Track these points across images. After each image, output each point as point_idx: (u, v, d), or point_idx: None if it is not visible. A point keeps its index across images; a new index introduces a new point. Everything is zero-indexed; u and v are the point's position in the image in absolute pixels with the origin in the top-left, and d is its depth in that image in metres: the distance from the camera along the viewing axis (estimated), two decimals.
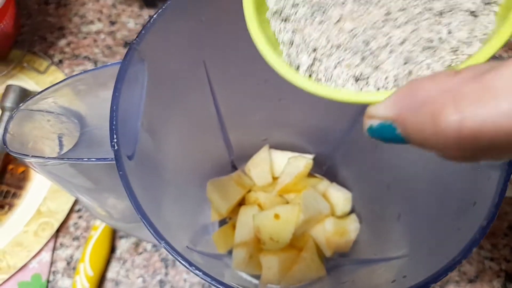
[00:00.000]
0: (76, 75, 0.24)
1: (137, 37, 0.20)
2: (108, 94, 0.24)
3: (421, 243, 0.27)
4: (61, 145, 0.26)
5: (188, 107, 0.28)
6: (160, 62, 0.23)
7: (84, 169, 0.24)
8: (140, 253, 0.43)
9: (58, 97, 0.24)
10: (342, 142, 0.37)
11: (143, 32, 0.20)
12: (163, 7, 0.21)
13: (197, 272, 0.19)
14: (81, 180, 0.25)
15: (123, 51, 0.55)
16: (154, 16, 0.21)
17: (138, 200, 0.19)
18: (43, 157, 0.22)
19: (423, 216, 0.28)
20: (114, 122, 0.20)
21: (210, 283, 0.19)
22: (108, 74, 0.23)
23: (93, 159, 0.21)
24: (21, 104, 0.24)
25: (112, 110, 0.20)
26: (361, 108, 0.32)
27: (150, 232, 0.19)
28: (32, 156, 0.22)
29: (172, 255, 0.19)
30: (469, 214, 0.22)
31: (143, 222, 0.19)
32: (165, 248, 0.19)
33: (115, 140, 0.19)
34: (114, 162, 0.20)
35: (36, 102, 0.24)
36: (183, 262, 0.19)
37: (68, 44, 0.55)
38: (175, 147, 0.28)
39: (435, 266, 0.20)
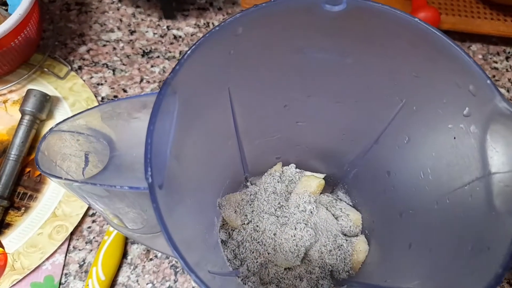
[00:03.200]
0: (108, 102, 0.25)
1: (171, 72, 0.21)
2: (136, 121, 0.25)
3: (433, 278, 0.27)
4: (86, 161, 0.27)
5: (210, 129, 0.29)
6: (188, 92, 0.23)
7: (112, 191, 0.25)
8: (151, 259, 0.44)
9: (90, 121, 0.25)
10: (354, 166, 0.38)
11: (177, 67, 0.22)
12: (197, 43, 0.22)
13: None
14: (105, 197, 0.26)
15: (141, 60, 0.56)
16: (188, 52, 0.22)
17: (170, 231, 0.20)
18: (76, 181, 0.23)
19: (436, 251, 0.28)
20: (149, 156, 0.20)
21: None
22: (139, 103, 0.24)
23: (126, 187, 0.22)
24: (53, 126, 0.26)
25: (147, 144, 0.20)
26: (376, 137, 0.34)
27: (181, 263, 0.20)
28: (65, 178, 0.23)
29: (198, 284, 0.20)
30: (484, 257, 0.23)
31: (175, 254, 0.20)
32: (192, 277, 0.20)
33: (149, 173, 0.20)
34: (145, 191, 0.21)
35: (68, 124, 0.25)
36: None
37: (88, 51, 0.57)
38: (195, 167, 0.29)
39: None
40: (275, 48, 0.27)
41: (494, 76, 0.58)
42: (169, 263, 0.44)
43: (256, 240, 0.36)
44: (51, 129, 0.26)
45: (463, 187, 0.27)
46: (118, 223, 0.32)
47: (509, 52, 0.60)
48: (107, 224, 0.45)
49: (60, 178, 0.23)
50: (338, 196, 0.42)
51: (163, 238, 0.34)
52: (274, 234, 0.36)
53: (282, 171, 0.40)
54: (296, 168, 0.41)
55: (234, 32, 0.24)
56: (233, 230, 0.38)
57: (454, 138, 0.28)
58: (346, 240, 0.38)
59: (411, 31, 0.25)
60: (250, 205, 0.38)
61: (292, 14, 0.26)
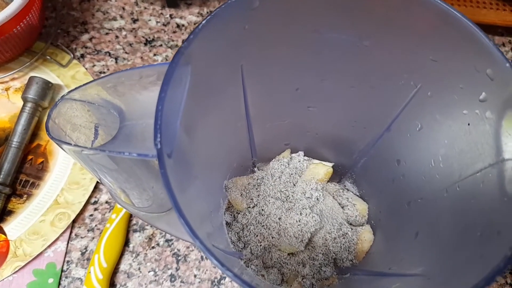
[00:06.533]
0: (121, 71, 0.25)
1: (185, 41, 0.21)
2: (148, 92, 0.25)
3: (439, 265, 0.27)
4: (96, 134, 0.27)
5: (221, 107, 0.29)
6: (201, 65, 0.23)
7: (120, 161, 0.25)
8: (153, 247, 0.43)
9: (101, 90, 0.25)
10: (364, 154, 0.38)
11: (191, 37, 0.21)
12: (212, 14, 0.22)
13: (228, 272, 0.20)
14: (114, 170, 0.26)
15: (144, 48, 0.56)
16: (203, 22, 0.21)
17: (177, 198, 0.20)
18: (86, 147, 0.23)
19: (443, 238, 0.28)
20: (159, 122, 0.20)
21: (241, 284, 0.20)
22: (151, 73, 0.24)
23: (134, 154, 0.22)
24: (65, 93, 0.25)
25: (157, 110, 0.20)
26: (388, 124, 0.33)
27: (187, 230, 0.20)
28: (75, 145, 0.23)
29: (206, 254, 0.19)
30: (493, 242, 0.22)
31: (180, 220, 0.20)
32: (199, 247, 0.20)
33: (159, 139, 0.20)
34: (153, 158, 0.21)
35: (80, 93, 0.25)
36: (215, 261, 0.19)
37: (90, 39, 0.56)
38: (204, 144, 0.28)
39: None
40: (291, 26, 0.27)
41: None
42: (171, 251, 0.43)
43: (261, 223, 0.36)
44: (62, 96, 0.25)
45: (475, 174, 0.27)
46: (125, 200, 0.31)
47: None
48: (109, 211, 0.45)
49: (70, 144, 0.23)
50: (345, 186, 0.41)
51: (167, 218, 0.34)
52: (279, 219, 0.36)
53: (290, 158, 0.40)
54: (304, 155, 0.40)
55: (250, 5, 0.24)
56: (238, 213, 0.38)
57: (468, 124, 0.27)
58: (351, 229, 0.38)
59: (432, 11, 0.25)
60: (256, 189, 0.38)
61: None
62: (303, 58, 0.30)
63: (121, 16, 0.58)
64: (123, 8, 0.59)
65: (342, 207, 0.39)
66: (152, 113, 0.20)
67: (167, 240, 0.44)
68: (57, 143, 0.24)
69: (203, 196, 0.31)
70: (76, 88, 0.25)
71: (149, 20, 0.58)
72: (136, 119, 0.25)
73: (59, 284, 0.41)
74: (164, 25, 0.58)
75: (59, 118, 0.25)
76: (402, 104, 0.31)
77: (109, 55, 0.55)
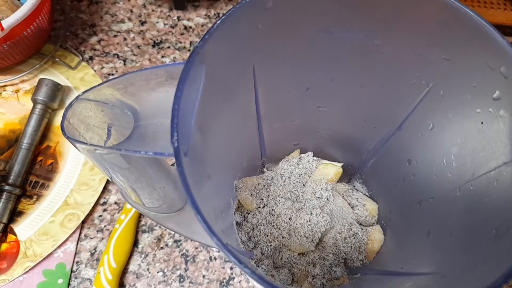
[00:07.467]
0: (135, 71, 0.25)
1: (200, 41, 0.21)
2: (156, 93, 0.25)
3: (453, 263, 0.26)
4: (109, 134, 0.27)
5: (232, 107, 0.29)
6: (215, 65, 0.23)
7: (133, 160, 0.25)
8: (162, 248, 0.44)
9: (115, 91, 0.25)
10: (374, 154, 0.37)
11: (206, 36, 0.21)
12: (227, 13, 0.22)
13: (246, 269, 0.20)
14: (125, 168, 0.26)
15: (152, 50, 0.56)
16: (218, 22, 0.21)
17: (194, 195, 0.20)
18: (101, 146, 0.23)
19: (456, 236, 0.28)
20: (176, 121, 0.20)
21: (258, 281, 0.20)
22: (160, 73, 0.24)
23: (151, 153, 0.22)
24: (80, 94, 0.25)
25: (174, 109, 0.20)
26: (399, 124, 0.33)
27: (204, 227, 0.20)
28: (90, 144, 0.23)
29: (223, 251, 0.19)
30: (507, 240, 0.22)
31: (198, 217, 0.20)
32: (216, 243, 0.20)
33: (175, 138, 0.20)
34: (170, 157, 0.21)
35: (94, 93, 0.25)
36: (233, 259, 0.19)
37: (99, 41, 0.56)
38: (216, 144, 0.28)
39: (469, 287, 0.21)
40: (302, 25, 0.27)
41: None
42: (179, 252, 0.43)
43: (271, 223, 0.36)
44: (77, 96, 0.26)
45: (489, 173, 0.27)
46: (135, 199, 0.31)
47: None
48: (118, 212, 0.45)
49: (85, 143, 0.23)
50: (354, 186, 0.41)
51: (177, 218, 0.34)
52: (289, 219, 0.36)
53: (300, 158, 0.40)
54: (313, 156, 0.40)
55: (263, 5, 0.24)
56: (248, 213, 0.38)
57: (482, 123, 0.27)
58: (362, 229, 0.38)
59: (442, 9, 0.25)
60: (266, 189, 0.38)
61: None
62: (313, 57, 0.30)
63: (129, 19, 0.59)
64: (131, 11, 0.59)
65: (352, 207, 0.39)
66: (164, 113, 0.20)
67: (175, 241, 0.44)
68: (72, 143, 0.24)
69: (215, 196, 0.31)
70: (90, 89, 0.25)
71: (157, 22, 0.59)
72: (149, 119, 0.25)
73: (69, 284, 0.41)
74: (171, 27, 0.58)
75: (73, 118, 0.25)
76: (413, 103, 0.31)
77: (118, 57, 0.55)
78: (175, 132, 0.20)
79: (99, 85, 0.25)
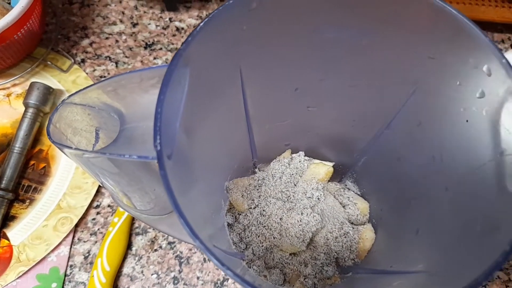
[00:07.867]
0: (122, 74, 0.25)
1: (183, 43, 0.21)
2: (148, 95, 0.25)
3: (441, 261, 0.27)
4: (97, 137, 0.27)
5: (220, 109, 0.29)
6: (200, 67, 0.23)
7: (122, 164, 0.25)
8: (155, 250, 0.44)
9: (101, 94, 0.25)
10: (364, 153, 0.38)
11: (189, 39, 0.21)
12: (210, 16, 0.22)
13: (228, 271, 0.20)
14: (115, 173, 0.26)
15: (144, 52, 0.56)
16: (201, 24, 0.22)
17: (176, 199, 0.20)
18: (86, 150, 0.23)
19: (444, 234, 0.28)
20: (159, 124, 0.20)
21: (242, 283, 0.20)
22: (150, 76, 0.24)
23: (134, 156, 0.22)
24: (65, 98, 0.25)
25: (157, 112, 0.20)
26: (388, 122, 0.33)
27: (186, 230, 0.20)
28: (76, 148, 0.23)
29: (206, 253, 0.20)
30: (493, 237, 0.23)
31: (180, 220, 0.20)
32: (199, 246, 0.20)
33: (158, 141, 0.20)
34: (154, 160, 0.21)
35: (80, 97, 0.25)
36: (215, 261, 0.20)
37: (91, 44, 0.56)
38: (205, 146, 0.28)
39: (456, 285, 0.21)
40: (289, 26, 0.27)
41: None
42: (173, 254, 0.43)
43: (262, 224, 0.36)
44: (63, 100, 0.26)
45: (474, 170, 0.27)
46: (127, 203, 0.31)
47: None
48: (112, 215, 0.45)
49: (71, 147, 0.23)
50: (346, 185, 0.41)
51: (169, 220, 0.34)
52: (280, 219, 0.36)
53: (291, 158, 0.40)
54: (305, 156, 0.40)
55: (248, 6, 0.24)
56: (240, 214, 0.38)
57: (467, 121, 0.27)
58: (353, 228, 0.38)
59: (428, 9, 0.25)
60: (257, 190, 0.38)
61: None
62: (301, 58, 0.30)
63: (121, 21, 0.59)
64: (123, 13, 0.59)
65: (343, 206, 0.39)
66: (151, 115, 0.20)
67: (169, 243, 0.44)
68: (58, 147, 0.24)
69: (205, 198, 0.31)
70: (76, 92, 0.25)
71: (149, 24, 0.59)
72: (137, 121, 0.25)
73: None
74: (163, 28, 0.58)
75: (60, 122, 0.25)
76: (401, 101, 0.31)
77: (110, 59, 0.55)
78: (158, 135, 0.20)
79: (85, 88, 0.25)
